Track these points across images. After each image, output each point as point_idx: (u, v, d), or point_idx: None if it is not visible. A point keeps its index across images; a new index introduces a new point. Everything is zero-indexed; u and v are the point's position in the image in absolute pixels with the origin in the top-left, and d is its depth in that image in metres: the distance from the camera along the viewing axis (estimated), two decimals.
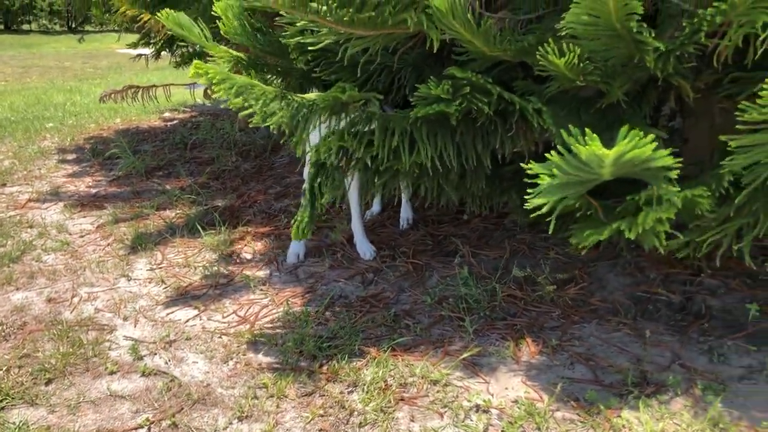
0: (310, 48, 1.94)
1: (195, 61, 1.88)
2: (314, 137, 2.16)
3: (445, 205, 2.58)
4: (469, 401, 1.72)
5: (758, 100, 1.33)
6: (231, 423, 1.67)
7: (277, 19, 1.96)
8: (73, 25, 21.61)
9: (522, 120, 1.91)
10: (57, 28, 22.51)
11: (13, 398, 1.79)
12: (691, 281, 2.21)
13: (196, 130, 5.33)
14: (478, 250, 2.62)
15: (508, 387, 1.78)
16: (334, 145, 2.00)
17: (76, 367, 1.94)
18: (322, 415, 1.68)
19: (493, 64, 1.97)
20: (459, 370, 1.86)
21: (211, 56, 2.24)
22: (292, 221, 2.46)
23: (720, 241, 1.77)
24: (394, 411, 1.68)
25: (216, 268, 2.60)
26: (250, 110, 1.90)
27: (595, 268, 2.38)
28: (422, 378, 1.81)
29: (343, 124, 2.06)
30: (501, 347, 1.96)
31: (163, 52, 4.74)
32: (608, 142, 1.83)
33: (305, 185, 2.55)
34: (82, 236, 3.03)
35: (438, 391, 1.76)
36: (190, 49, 4.54)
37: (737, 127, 1.44)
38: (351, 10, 1.75)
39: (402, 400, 1.73)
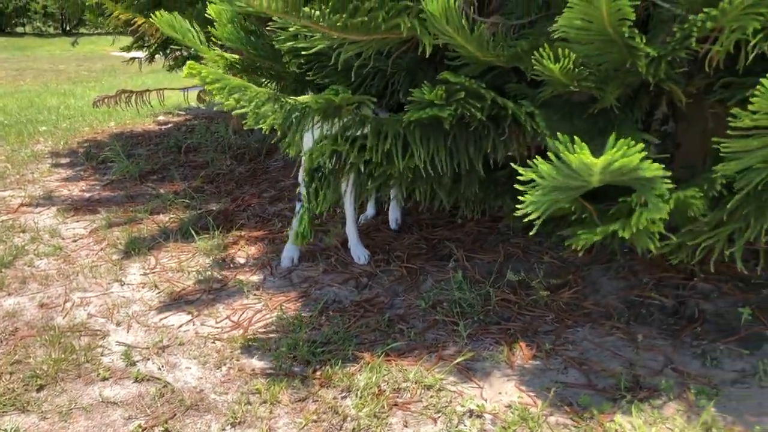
0: (303, 52, 1.94)
1: (189, 62, 1.88)
2: (308, 142, 2.16)
3: (439, 208, 2.58)
4: (462, 406, 1.71)
5: (749, 107, 1.33)
6: (224, 429, 1.67)
7: (270, 24, 1.97)
8: (68, 28, 21.57)
9: (515, 124, 1.91)
10: (51, 30, 22.47)
11: (4, 405, 1.78)
12: (684, 285, 2.22)
13: (191, 133, 5.32)
14: (473, 254, 2.62)
15: (502, 392, 1.78)
16: (328, 149, 2.00)
17: (68, 373, 1.93)
18: (315, 421, 1.68)
19: (486, 69, 1.97)
20: (453, 374, 1.86)
21: (205, 60, 2.24)
22: (292, 227, 2.47)
23: (713, 246, 1.78)
24: (387, 416, 1.68)
25: (209, 272, 2.60)
26: (244, 110, 1.90)
27: (588, 272, 2.38)
28: (416, 383, 1.81)
29: (336, 128, 2.06)
30: (495, 352, 1.96)
31: (156, 56, 4.74)
32: (600, 148, 1.83)
33: (302, 190, 2.56)
34: (75, 241, 3.02)
35: (431, 396, 1.76)
36: (184, 53, 4.54)
37: (728, 132, 1.45)
38: (344, 15, 1.75)
39: (395, 405, 1.72)
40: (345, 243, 2.72)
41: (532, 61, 1.67)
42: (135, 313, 2.30)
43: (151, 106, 4.69)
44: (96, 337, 2.13)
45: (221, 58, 2.28)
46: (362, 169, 2.07)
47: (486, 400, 1.74)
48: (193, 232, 2.96)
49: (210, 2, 2.16)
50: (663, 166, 1.72)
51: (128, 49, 4.65)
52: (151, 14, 2.20)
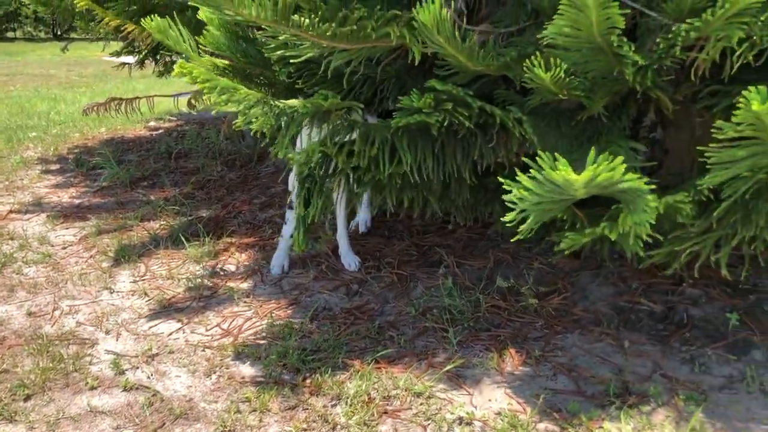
0: (292, 61, 1.95)
1: (180, 60, 1.88)
2: (300, 149, 2.16)
3: (432, 216, 2.59)
4: (452, 413, 1.72)
5: (733, 118, 1.35)
6: None
7: (259, 32, 1.97)
8: (59, 33, 21.50)
9: (502, 131, 1.92)
10: (42, 35, 22.40)
11: None
12: (673, 291, 2.23)
13: (182, 139, 5.31)
14: (463, 260, 2.62)
15: (492, 399, 1.78)
16: (316, 153, 2.00)
17: (55, 382, 1.92)
18: (305, 429, 1.68)
19: (475, 77, 1.98)
20: (443, 382, 1.86)
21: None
22: (282, 235, 2.47)
23: (699, 251, 1.79)
24: (377, 424, 1.68)
25: (200, 280, 2.59)
26: (234, 110, 1.90)
27: (578, 278, 2.39)
28: (406, 390, 1.81)
29: (324, 134, 2.06)
30: (485, 358, 1.96)
31: (146, 61, 4.72)
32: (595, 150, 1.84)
33: (293, 198, 2.56)
34: (64, 248, 3.01)
35: (421, 404, 1.76)
36: (175, 58, 4.53)
37: (711, 145, 1.46)
38: (333, 24, 1.76)
39: (385, 413, 1.72)
40: (336, 250, 2.72)
41: (524, 69, 1.68)
42: (124, 321, 2.29)
43: (141, 113, 4.67)
44: (84, 346, 2.13)
45: (212, 65, 2.28)
46: (351, 175, 2.07)
47: (476, 408, 1.74)
48: (183, 239, 2.95)
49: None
50: (646, 176, 1.74)
51: (118, 54, 4.64)
52: (142, 21, 2.19)
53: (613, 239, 1.54)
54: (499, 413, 1.71)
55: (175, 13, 3.37)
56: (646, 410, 1.68)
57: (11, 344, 2.14)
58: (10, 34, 21.84)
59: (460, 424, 1.68)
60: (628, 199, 1.50)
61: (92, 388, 1.89)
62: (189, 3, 1.76)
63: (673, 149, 2.29)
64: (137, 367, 2.00)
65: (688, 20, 1.46)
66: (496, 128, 1.89)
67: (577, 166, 1.83)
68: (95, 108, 4.25)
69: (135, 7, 3.76)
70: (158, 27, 2.13)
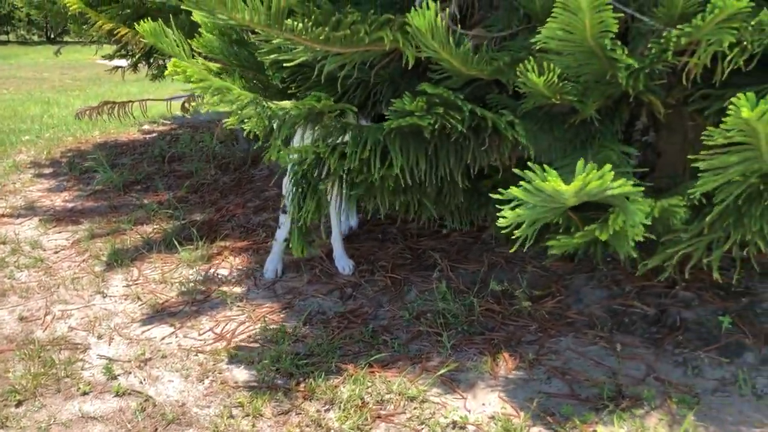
0: (286, 65, 1.94)
1: (173, 59, 1.87)
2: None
3: (428, 220, 2.58)
4: (445, 418, 1.72)
5: (722, 125, 1.35)
6: None
7: (253, 36, 1.96)
8: (52, 36, 21.44)
9: (495, 134, 1.92)
10: (36, 38, 22.32)
11: None
12: (666, 294, 2.23)
13: (176, 143, 5.30)
14: (457, 263, 2.62)
15: (485, 403, 1.78)
16: (309, 155, 2.00)
17: (47, 388, 1.91)
18: None
19: (467, 81, 1.98)
20: (436, 386, 1.86)
21: None
22: (276, 238, 2.47)
23: (691, 254, 1.79)
24: (370, 429, 1.68)
25: (193, 284, 2.58)
26: (227, 109, 1.89)
27: (571, 282, 2.39)
28: (399, 395, 1.81)
29: (317, 135, 2.06)
30: (478, 362, 1.96)
31: (139, 64, 4.71)
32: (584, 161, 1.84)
33: (287, 201, 2.55)
34: (56, 252, 3.00)
35: (415, 408, 1.76)
36: (168, 62, 4.51)
37: (702, 152, 1.46)
38: (327, 28, 1.76)
39: (379, 417, 1.72)
40: (330, 253, 2.72)
41: (516, 74, 1.68)
42: (117, 326, 2.28)
43: (134, 117, 4.66)
44: (77, 351, 2.12)
45: (205, 68, 2.27)
46: (344, 177, 2.07)
47: (469, 411, 1.74)
48: (176, 243, 2.94)
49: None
50: (639, 179, 1.75)
51: (111, 57, 4.62)
52: (135, 24, 2.19)
53: (603, 240, 1.54)
54: (492, 417, 1.71)
55: (169, 16, 3.38)
56: (639, 413, 1.68)
57: (2, 349, 2.13)
58: (3, 38, 21.77)
59: (453, 428, 1.68)
60: (620, 204, 1.51)
61: (84, 394, 1.89)
62: (182, 6, 1.75)
63: (666, 152, 2.30)
64: (130, 372, 1.99)
65: (679, 25, 1.47)
66: (489, 132, 1.89)
67: (571, 171, 1.84)
68: (88, 112, 4.24)
69: (128, 11, 3.76)
70: (152, 31, 2.12)
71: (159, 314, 2.36)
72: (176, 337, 2.19)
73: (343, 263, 2.64)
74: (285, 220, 2.59)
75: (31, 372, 1.97)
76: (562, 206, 1.50)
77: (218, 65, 2.27)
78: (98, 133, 6.02)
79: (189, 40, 2.21)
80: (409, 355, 2.01)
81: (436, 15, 1.61)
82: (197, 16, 2.17)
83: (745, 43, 1.50)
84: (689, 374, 1.85)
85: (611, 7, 1.43)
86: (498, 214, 1.53)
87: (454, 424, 1.69)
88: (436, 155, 2.02)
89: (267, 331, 2.18)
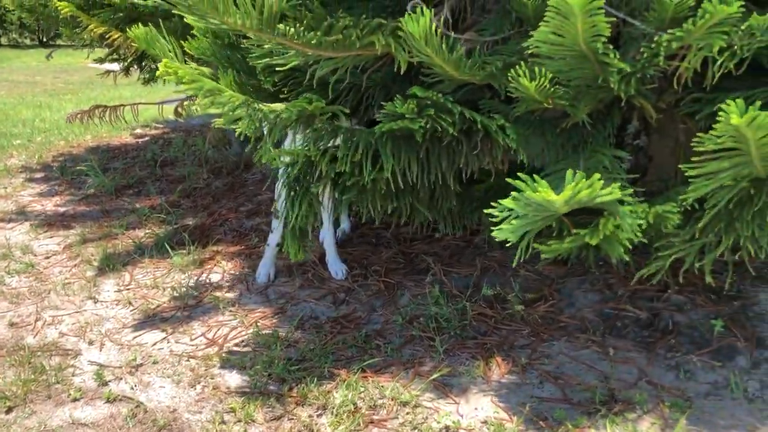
0: (277, 69, 1.94)
1: (164, 60, 1.86)
2: (286, 157, 2.15)
3: (422, 224, 2.58)
4: (438, 422, 1.71)
5: (712, 131, 1.35)
6: None
7: (245, 41, 1.96)
8: (45, 40, 21.36)
9: (487, 138, 1.92)
10: (28, 42, 22.23)
11: None
12: (658, 297, 2.24)
13: (168, 147, 5.28)
14: (450, 267, 2.62)
15: (478, 407, 1.78)
16: (301, 158, 2.00)
17: (37, 394, 1.90)
18: None
19: (460, 85, 1.98)
20: (429, 390, 1.85)
21: None
22: (268, 243, 2.46)
23: (683, 258, 1.79)
24: None
25: (185, 289, 2.57)
26: (218, 110, 1.88)
27: (564, 285, 2.40)
28: (392, 400, 1.80)
29: (309, 138, 2.05)
30: (471, 367, 1.96)
31: (131, 68, 4.69)
32: (575, 165, 1.85)
33: (279, 205, 2.54)
34: (47, 257, 2.98)
35: (408, 413, 1.75)
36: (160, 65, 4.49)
37: (693, 158, 1.47)
38: (319, 33, 1.75)
39: (371, 422, 1.72)
40: (322, 258, 2.71)
41: (509, 78, 1.68)
42: (108, 332, 2.27)
43: (126, 121, 4.64)
44: (67, 357, 2.10)
45: (199, 72, 2.26)
46: (335, 181, 2.07)
47: (462, 416, 1.74)
48: (168, 248, 2.93)
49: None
50: (631, 182, 1.75)
51: (102, 60, 4.60)
52: (127, 28, 2.18)
53: (594, 244, 1.54)
54: (485, 422, 1.71)
55: (160, 20, 3.37)
56: (631, 417, 1.68)
57: None
58: None
59: None
60: (613, 208, 1.51)
61: (75, 400, 1.87)
62: (173, 11, 1.75)
63: (658, 155, 2.30)
64: (121, 378, 1.98)
65: (671, 30, 1.47)
66: (480, 135, 1.89)
67: (563, 176, 1.84)
68: (79, 115, 4.22)
69: (121, 14, 3.74)
70: (143, 36, 2.11)
71: (151, 319, 2.35)
72: (168, 342, 2.18)
73: (336, 268, 2.63)
74: (277, 225, 2.59)
75: (21, 378, 1.96)
76: (554, 214, 1.50)
77: (210, 69, 2.27)
78: (90, 137, 6.00)
79: (182, 43, 2.21)
80: (401, 360, 2.01)
81: (431, 22, 1.61)
82: (190, 19, 2.16)
83: (735, 47, 1.50)
84: (681, 378, 1.85)
85: (603, 11, 1.44)
86: (493, 228, 1.53)
87: (447, 428, 1.69)
88: (428, 159, 2.01)
89: (259, 336, 2.17)
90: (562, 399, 1.79)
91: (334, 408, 1.77)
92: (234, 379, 1.95)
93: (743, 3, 1.41)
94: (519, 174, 1.43)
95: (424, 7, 1.63)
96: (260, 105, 1.84)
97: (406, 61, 1.81)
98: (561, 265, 2.51)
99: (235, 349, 2.12)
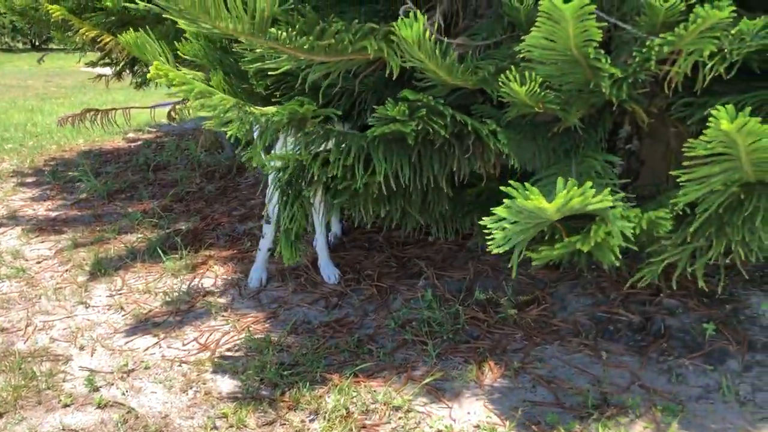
0: (269, 73, 1.94)
1: (155, 62, 1.85)
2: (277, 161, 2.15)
3: (415, 229, 2.58)
4: (431, 427, 1.71)
5: (702, 137, 1.36)
6: None
7: (237, 45, 1.96)
8: (37, 44, 21.30)
9: (478, 142, 1.92)
10: (20, 46, 22.15)
11: None
12: (651, 301, 2.24)
13: (161, 151, 5.27)
14: (443, 271, 2.62)
15: (471, 411, 1.77)
16: (292, 162, 1.99)
17: (28, 400, 1.88)
18: None
19: (453, 90, 1.99)
20: (422, 395, 1.85)
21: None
22: (260, 248, 2.45)
23: (676, 263, 1.80)
24: None
25: (177, 293, 2.56)
26: (209, 113, 1.88)
27: (556, 289, 2.40)
28: (384, 404, 1.80)
29: (300, 142, 2.05)
30: (464, 371, 1.96)
31: (123, 72, 4.68)
32: (567, 171, 1.86)
33: (270, 211, 2.54)
34: (39, 262, 2.96)
35: (400, 418, 1.75)
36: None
37: (684, 163, 1.47)
38: (311, 38, 1.75)
39: (364, 427, 1.71)
40: (315, 262, 2.71)
41: (499, 83, 1.69)
42: (99, 337, 2.25)
43: (117, 125, 4.62)
44: (58, 362, 2.09)
45: (192, 76, 2.26)
46: (328, 184, 2.06)
47: (454, 421, 1.73)
48: (161, 252, 2.92)
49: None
50: (620, 191, 1.75)
51: (94, 64, 4.59)
52: (119, 32, 2.17)
53: (585, 251, 1.55)
54: (477, 426, 1.71)
55: (153, 24, 3.36)
56: (624, 422, 1.69)
57: None
58: None
59: None
60: (605, 215, 1.51)
61: (65, 406, 1.86)
62: (165, 15, 1.74)
63: (649, 160, 2.31)
64: (112, 384, 1.97)
65: (662, 34, 1.48)
66: (472, 139, 1.89)
67: (555, 181, 1.84)
68: (70, 119, 4.20)
69: (113, 18, 3.73)
70: (134, 42, 2.11)
71: (142, 324, 2.34)
72: (160, 347, 2.17)
73: (329, 272, 2.63)
74: (268, 230, 2.59)
75: (11, 384, 1.95)
76: (546, 221, 1.51)
77: (203, 74, 2.26)
78: (82, 141, 5.98)
79: (176, 44, 2.20)
80: (394, 364, 2.00)
81: (424, 27, 1.61)
82: (181, 23, 2.16)
83: (725, 51, 1.51)
84: (674, 382, 1.86)
85: (594, 16, 1.44)
86: (486, 235, 1.53)
87: None
88: (420, 162, 2.01)
89: (251, 341, 2.16)
90: (554, 403, 1.79)
91: (326, 413, 1.76)
92: (226, 384, 1.94)
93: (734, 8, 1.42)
94: (511, 181, 1.43)
95: (418, 12, 1.64)
96: (251, 108, 1.84)
97: (399, 66, 1.81)
98: (553, 268, 2.51)
99: (228, 354, 2.11)
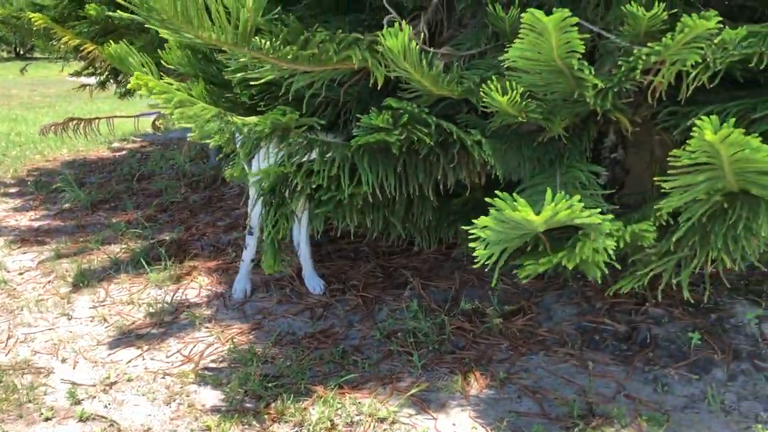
0: (253, 83, 1.93)
1: (136, 72, 1.84)
2: (256, 170, 2.14)
3: (398, 238, 2.57)
4: None
5: (686, 147, 1.36)
6: None
7: (221, 55, 1.94)
8: (21, 53, 21.16)
9: (463, 151, 1.92)
10: (5, 55, 22.00)
11: None
12: (636, 310, 2.24)
13: (146, 161, 5.24)
14: (429, 281, 2.61)
15: (456, 423, 1.76)
16: (275, 172, 1.98)
17: (8, 414, 1.85)
18: None
19: (438, 100, 1.98)
20: (407, 406, 1.84)
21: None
22: (243, 259, 2.43)
23: (661, 273, 1.80)
24: None
25: (161, 305, 2.54)
26: (189, 125, 1.86)
27: (542, 299, 2.40)
28: (369, 416, 1.78)
29: (283, 153, 2.03)
30: (449, 382, 1.95)
31: (108, 83, 4.65)
32: (552, 180, 1.86)
33: (252, 221, 2.52)
34: (21, 273, 2.93)
35: (385, 429, 1.74)
36: None
37: (669, 172, 1.48)
38: (295, 47, 1.74)
39: None
40: (300, 272, 2.69)
41: (481, 93, 1.69)
42: (82, 349, 2.22)
43: (100, 134, 4.58)
44: (40, 375, 2.06)
45: (176, 88, 2.24)
46: (312, 194, 2.05)
47: None
48: (145, 263, 2.89)
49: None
50: (603, 202, 1.76)
51: (78, 74, 4.56)
52: (103, 41, 2.15)
53: (570, 268, 1.54)
54: None
55: (137, 33, 3.34)
56: None
57: None
58: None
59: None
60: (590, 229, 1.51)
61: (47, 419, 1.83)
62: (146, 25, 1.73)
63: (634, 169, 2.32)
64: (94, 397, 1.94)
65: (650, 44, 1.48)
66: (457, 148, 1.89)
67: (540, 191, 1.84)
68: (53, 128, 4.16)
69: (96, 27, 3.71)
70: (116, 54, 2.08)
71: (126, 336, 2.31)
72: (143, 359, 2.14)
73: (314, 283, 2.61)
74: (251, 241, 2.57)
75: None
76: (531, 232, 1.50)
77: (186, 84, 2.25)
78: (66, 151, 5.93)
79: (159, 52, 2.18)
80: (379, 376, 1.99)
81: (409, 38, 1.61)
82: (164, 33, 2.14)
83: (708, 60, 1.52)
84: (659, 391, 1.85)
85: (577, 28, 1.44)
86: (469, 239, 1.52)
87: None
88: (406, 172, 2.01)
89: (236, 353, 2.14)
90: (540, 413, 1.78)
91: (311, 425, 1.74)
92: (210, 396, 1.92)
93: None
94: (497, 192, 1.43)
95: (403, 22, 1.63)
96: (233, 117, 1.82)
97: (383, 76, 1.81)
98: (539, 278, 2.51)
99: (212, 365, 2.09)
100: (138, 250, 3.12)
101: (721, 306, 2.22)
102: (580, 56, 1.53)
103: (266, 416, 1.80)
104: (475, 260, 1.52)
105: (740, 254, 1.63)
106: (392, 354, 2.11)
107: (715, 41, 1.49)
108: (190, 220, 3.61)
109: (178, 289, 2.68)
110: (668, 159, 1.45)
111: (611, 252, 1.54)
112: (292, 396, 1.87)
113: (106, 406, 1.89)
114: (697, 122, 1.27)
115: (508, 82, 1.63)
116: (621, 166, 2.32)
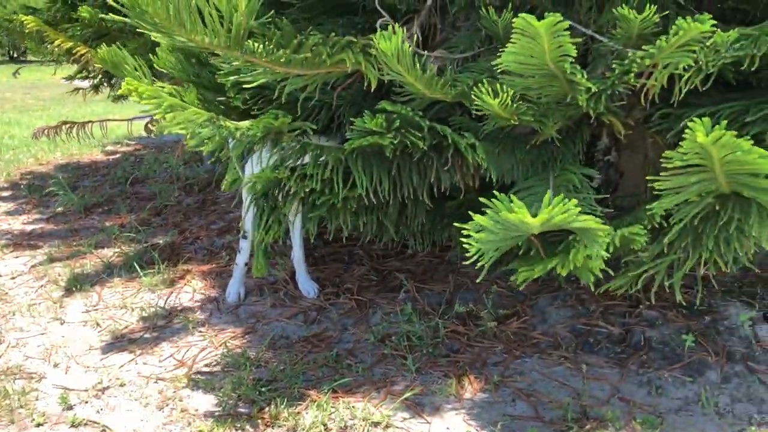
0: (246, 86, 1.92)
1: (127, 78, 1.83)
2: (249, 173, 2.13)
3: (392, 241, 2.57)
4: None
5: (679, 149, 1.36)
6: None
7: (214, 58, 1.94)
8: (15, 55, 21.11)
9: (457, 154, 1.92)
10: None
11: None
12: (630, 313, 2.24)
13: (139, 164, 5.22)
14: (423, 284, 2.61)
15: (450, 426, 1.76)
16: (268, 176, 1.97)
17: (0, 419, 1.84)
18: None
19: (432, 103, 1.98)
20: (401, 410, 1.83)
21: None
22: (236, 263, 2.42)
23: (653, 276, 1.80)
24: None
25: (154, 309, 2.53)
26: (183, 131, 1.85)
27: (536, 301, 2.39)
28: (363, 420, 1.78)
29: (276, 157, 2.03)
30: (443, 385, 1.94)
31: (101, 86, 4.64)
32: (546, 183, 1.86)
33: (247, 225, 2.51)
34: (13, 278, 2.91)
35: None
36: None
37: (661, 173, 1.48)
38: (288, 51, 1.74)
39: None
40: (293, 276, 2.68)
41: (473, 96, 1.69)
42: (74, 354, 2.21)
43: (94, 137, 4.57)
44: (31, 380, 2.05)
45: (168, 92, 2.23)
46: (306, 198, 2.05)
47: None
48: (138, 267, 2.88)
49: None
50: (596, 205, 1.76)
51: (71, 77, 4.54)
52: (96, 44, 2.15)
53: (564, 275, 1.55)
54: None
55: (129, 37, 3.33)
56: None
57: None
58: None
59: None
60: (583, 233, 1.51)
61: (38, 425, 1.82)
62: (138, 29, 1.72)
63: (628, 171, 2.32)
64: (86, 402, 1.93)
65: (644, 47, 1.49)
66: (451, 151, 1.89)
67: (533, 193, 1.85)
68: (46, 131, 4.14)
69: (90, 30, 3.70)
70: (109, 58, 2.07)
71: (118, 341, 2.30)
72: (136, 364, 2.13)
73: (308, 286, 2.61)
74: (245, 245, 2.56)
75: None
76: (525, 234, 1.50)
77: (180, 87, 2.24)
78: (60, 154, 5.91)
79: (152, 56, 2.18)
80: (373, 379, 1.98)
81: (403, 41, 1.61)
82: (156, 36, 2.14)
83: (700, 63, 1.52)
84: (653, 394, 1.85)
85: (569, 32, 1.44)
86: (462, 241, 1.52)
87: None
88: (400, 175, 2.00)
89: (229, 357, 2.13)
90: (534, 417, 1.78)
91: (304, 429, 1.74)
92: (203, 401, 1.91)
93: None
94: (495, 192, 1.43)
95: (396, 25, 1.63)
96: (226, 122, 1.82)
97: (377, 79, 1.80)
98: (533, 281, 2.50)
99: (205, 370, 2.08)
100: (131, 253, 3.11)
101: (714, 308, 2.22)
102: (573, 59, 1.53)
103: (259, 421, 1.79)
104: (468, 261, 1.52)
105: (732, 256, 1.63)
106: (386, 357, 2.10)
107: (708, 44, 1.50)
108: (183, 224, 3.60)
109: (172, 293, 2.67)
110: (662, 161, 1.46)
111: (604, 257, 1.54)
112: (285, 400, 1.86)
113: (98, 411, 1.88)
114: (690, 124, 1.27)
115: (499, 85, 1.63)
116: (615, 168, 2.33)
